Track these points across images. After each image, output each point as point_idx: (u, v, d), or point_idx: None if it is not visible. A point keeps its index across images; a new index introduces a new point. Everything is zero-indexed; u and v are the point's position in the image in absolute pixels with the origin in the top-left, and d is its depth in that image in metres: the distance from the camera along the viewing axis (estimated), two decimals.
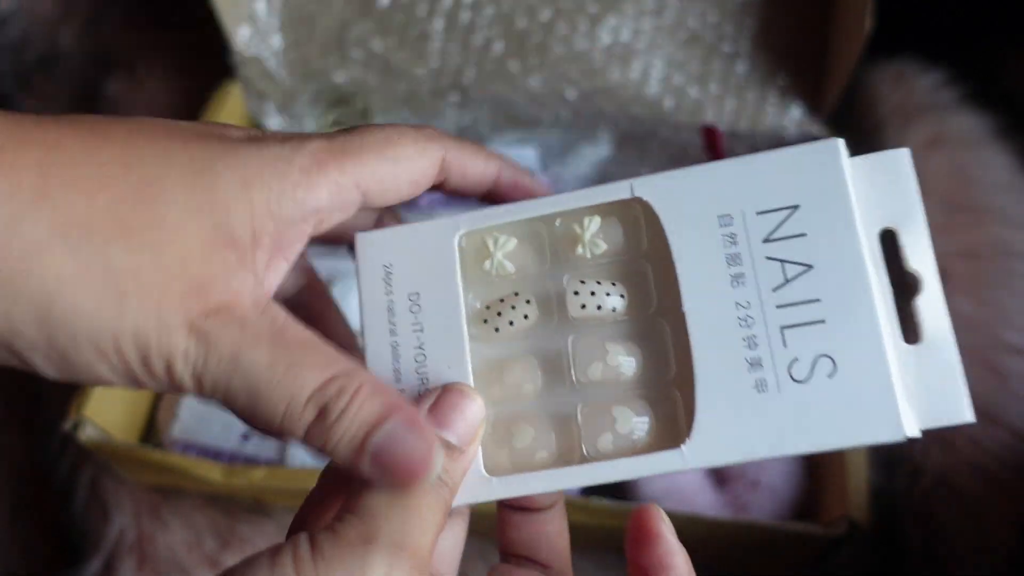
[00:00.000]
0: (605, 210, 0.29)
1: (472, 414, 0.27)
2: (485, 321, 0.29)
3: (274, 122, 0.71)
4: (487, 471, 0.28)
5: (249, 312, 0.24)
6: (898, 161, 0.27)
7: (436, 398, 0.27)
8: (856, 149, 0.27)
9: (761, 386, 0.26)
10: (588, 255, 0.29)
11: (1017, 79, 0.73)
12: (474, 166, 0.30)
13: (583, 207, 0.29)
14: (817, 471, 0.57)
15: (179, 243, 0.24)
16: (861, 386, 0.26)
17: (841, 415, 0.26)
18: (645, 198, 0.28)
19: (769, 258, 0.26)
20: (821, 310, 0.26)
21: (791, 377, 0.26)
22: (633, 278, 0.29)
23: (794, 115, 0.68)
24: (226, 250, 0.24)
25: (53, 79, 0.80)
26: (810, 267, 0.26)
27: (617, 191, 0.28)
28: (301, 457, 0.58)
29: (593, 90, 0.69)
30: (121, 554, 0.56)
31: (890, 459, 0.56)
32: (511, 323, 0.29)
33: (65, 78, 0.80)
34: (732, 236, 0.27)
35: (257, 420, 0.25)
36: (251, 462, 0.58)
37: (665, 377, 0.28)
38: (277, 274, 0.26)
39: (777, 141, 0.68)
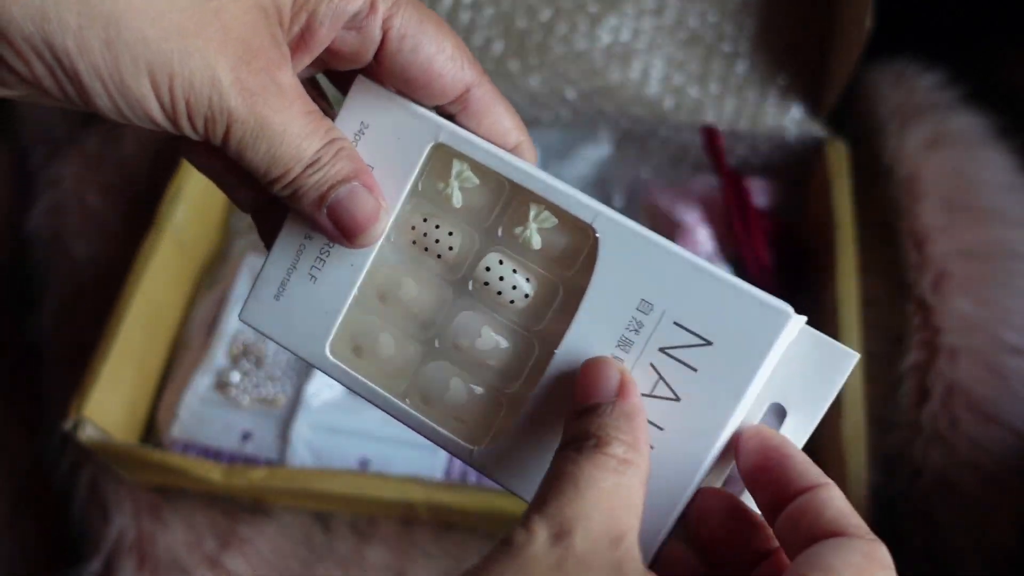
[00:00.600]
0: (565, 215, 0.28)
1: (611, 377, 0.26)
2: (413, 228, 0.29)
3: None
4: (331, 352, 0.29)
5: (284, 80, 0.27)
6: (841, 360, 0.26)
7: (582, 371, 0.27)
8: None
9: None
10: (520, 241, 0.28)
11: (1017, 79, 0.73)
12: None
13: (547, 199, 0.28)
14: None
15: (237, 4, 0.25)
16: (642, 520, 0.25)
17: None
18: (599, 234, 0.27)
19: (653, 366, 0.26)
20: (658, 439, 0.26)
21: None
22: (544, 287, 0.28)
23: (794, 115, 0.68)
24: (272, 24, 0.26)
25: None
26: (677, 400, 0.26)
27: (585, 209, 0.27)
28: (301, 457, 0.58)
29: (593, 90, 0.69)
30: (121, 554, 0.56)
31: (890, 459, 0.56)
32: (426, 249, 0.29)
33: None
34: (639, 324, 0.26)
35: (263, 171, 0.27)
36: (251, 462, 0.58)
37: (507, 387, 0.28)
38: (298, 65, 0.28)
39: (777, 141, 0.68)
